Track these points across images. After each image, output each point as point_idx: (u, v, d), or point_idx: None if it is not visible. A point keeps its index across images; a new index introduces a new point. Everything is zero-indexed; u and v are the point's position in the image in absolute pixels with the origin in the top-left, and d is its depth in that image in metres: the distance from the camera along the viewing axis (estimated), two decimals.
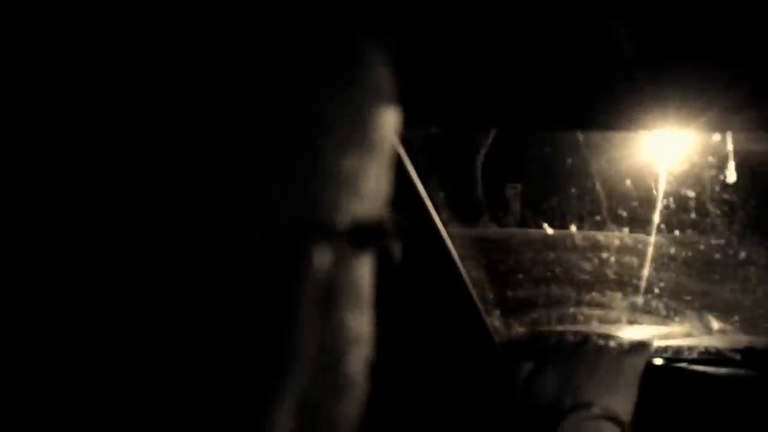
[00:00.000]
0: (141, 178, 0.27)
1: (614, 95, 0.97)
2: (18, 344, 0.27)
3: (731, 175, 1.51)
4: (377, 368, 0.36)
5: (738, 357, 1.40)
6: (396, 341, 0.35)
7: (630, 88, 0.95)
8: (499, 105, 1.08)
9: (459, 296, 1.39)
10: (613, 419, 1.01)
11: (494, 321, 1.49)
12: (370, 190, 0.34)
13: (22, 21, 0.26)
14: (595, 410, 1.00)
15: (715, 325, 1.86)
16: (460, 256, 1.36)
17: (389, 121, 0.35)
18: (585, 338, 1.16)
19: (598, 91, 0.99)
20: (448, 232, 1.30)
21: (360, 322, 0.34)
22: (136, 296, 0.27)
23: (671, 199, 2.07)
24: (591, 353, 1.09)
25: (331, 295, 0.32)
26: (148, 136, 0.27)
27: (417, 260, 1.24)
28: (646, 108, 0.97)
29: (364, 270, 0.35)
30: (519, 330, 1.57)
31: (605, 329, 1.47)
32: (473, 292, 1.39)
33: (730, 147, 1.48)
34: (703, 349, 1.43)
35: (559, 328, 1.55)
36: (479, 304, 1.41)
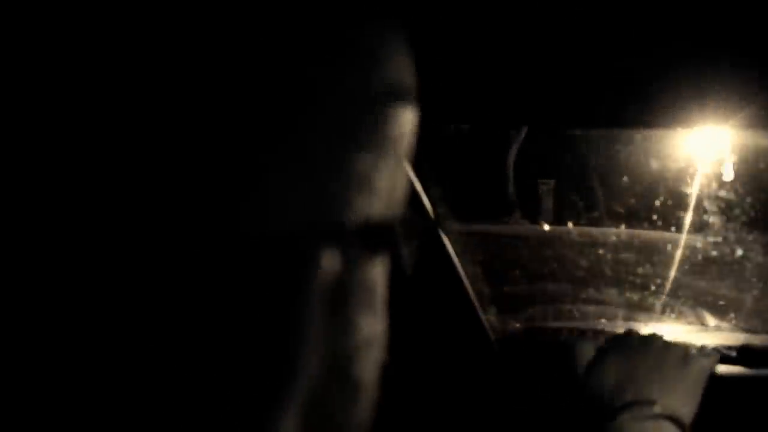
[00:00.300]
0: (153, 176, 0.27)
1: (649, 92, 0.96)
2: (18, 345, 0.27)
3: None
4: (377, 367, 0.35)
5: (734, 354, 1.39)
6: (401, 342, 0.34)
7: (665, 84, 0.94)
8: (530, 103, 1.08)
9: (457, 294, 1.39)
10: (675, 420, 0.99)
11: (491, 317, 1.48)
12: (384, 191, 0.33)
13: (32, 22, 0.26)
14: (657, 408, 0.99)
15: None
16: (463, 253, 1.36)
17: (406, 120, 0.34)
18: (652, 336, 1.15)
19: (632, 88, 0.98)
20: (462, 230, 1.30)
21: (371, 324, 0.34)
22: (147, 295, 0.27)
23: (705, 197, 2.05)
24: (657, 352, 1.08)
25: (342, 296, 0.32)
26: (160, 134, 0.27)
27: (419, 260, 1.24)
28: (682, 105, 0.96)
29: (376, 271, 0.34)
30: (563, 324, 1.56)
31: (665, 329, 1.46)
32: (470, 289, 1.40)
33: None
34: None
35: (606, 323, 1.54)
36: (475, 302, 1.41)
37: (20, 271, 0.26)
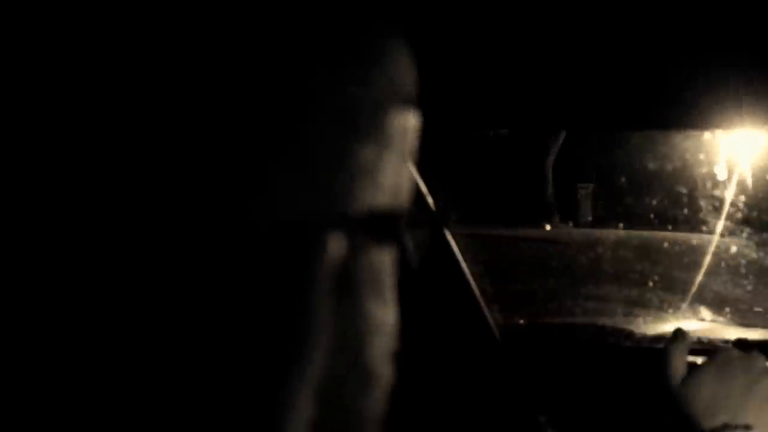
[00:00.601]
0: (160, 169, 0.27)
1: (689, 94, 0.94)
2: (29, 342, 0.27)
3: None
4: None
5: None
6: (405, 339, 0.34)
7: (705, 86, 0.92)
8: (569, 105, 1.04)
9: (461, 291, 1.36)
10: None
11: (496, 314, 1.47)
12: (391, 185, 0.33)
13: (34, 22, 0.27)
14: None
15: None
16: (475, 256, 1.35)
17: (411, 115, 0.34)
18: (753, 356, 1.08)
19: (671, 90, 0.96)
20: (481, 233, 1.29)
21: (381, 313, 0.34)
22: (155, 285, 0.27)
23: (743, 199, 2.02)
24: (757, 374, 1.02)
25: (350, 285, 0.32)
26: (173, 128, 0.27)
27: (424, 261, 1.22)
28: (722, 107, 0.94)
29: (384, 261, 0.34)
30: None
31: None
32: (474, 286, 1.37)
33: None
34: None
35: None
36: (480, 301, 1.38)
37: (32, 266, 0.26)
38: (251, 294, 0.28)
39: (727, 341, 1.31)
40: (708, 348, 1.27)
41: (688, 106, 0.97)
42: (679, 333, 0.99)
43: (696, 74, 0.93)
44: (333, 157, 0.29)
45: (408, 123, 0.33)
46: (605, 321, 1.46)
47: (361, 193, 0.30)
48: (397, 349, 0.34)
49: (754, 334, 1.39)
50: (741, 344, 1.20)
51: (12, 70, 0.26)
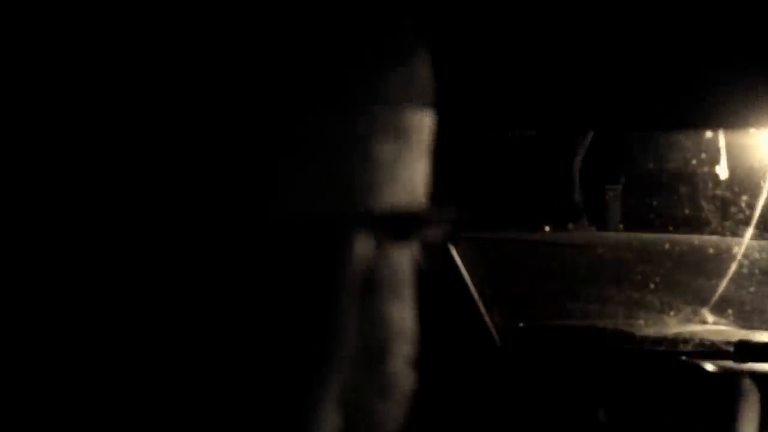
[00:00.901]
0: (182, 163, 0.26)
1: (723, 92, 0.92)
2: (59, 334, 0.26)
3: None
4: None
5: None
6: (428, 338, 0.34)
7: (740, 85, 0.91)
8: (597, 105, 1.03)
9: (460, 294, 1.36)
10: None
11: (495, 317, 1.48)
12: (409, 183, 0.33)
13: (35, 22, 0.26)
14: None
15: None
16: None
17: (432, 114, 0.34)
18: None
19: (704, 88, 0.94)
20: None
21: (400, 316, 0.33)
22: (179, 286, 0.27)
23: None
24: None
25: (371, 287, 0.31)
26: (190, 121, 0.27)
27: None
28: (759, 106, 0.92)
29: (403, 261, 0.33)
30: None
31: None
32: (473, 290, 1.37)
33: None
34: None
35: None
36: (479, 302, 1.39)
37: (48, 262, 0.26)
38: (276, 295, 0.27)
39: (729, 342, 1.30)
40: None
41: (722, 104, 0.95)
42: None
43: (731, 72, 0.91)
44: (355, 155, 0.29)
45: (429, 122, 0.33)
46: (649, 331, 1.47)
47: (383, 193, 0.30)
48: (416, 354, 0.34)
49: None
50: None
51: (14, 70, 0.26)
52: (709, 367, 1.30)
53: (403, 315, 0.33)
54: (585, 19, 0.92)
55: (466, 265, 1.36)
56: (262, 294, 0.27)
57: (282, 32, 0.27)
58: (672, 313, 1.92)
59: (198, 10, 0.27)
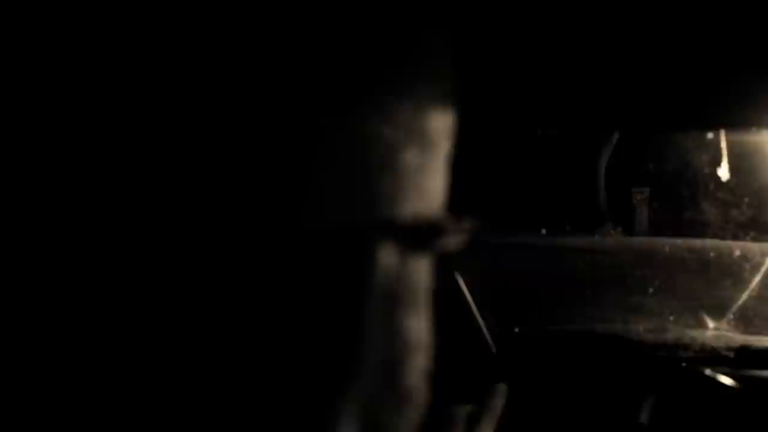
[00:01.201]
0: (209, 172, 0.26)
1: (755, 90, 0.90)
2: (83, 328, 0.26)
3: None
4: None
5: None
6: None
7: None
8: (623, 103, 1.01)
9: (456, 301, 1.37)
10: None
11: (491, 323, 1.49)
12: (433, 188, 0.32)
13: (36, 23, 0.26)
14: None
15: None
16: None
17: (455, 117, 0.33)
18: None
19: (735, 86, 0.92)
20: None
21: (418, 327, 0.33)
22: (197, 291, 0.26)
23: None
24: None
25: (393, 297, 0.31)
26: (216, 130, 0.26)
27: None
28: None
29: (422, 270, 0.33)
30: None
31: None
32: (468, 296, 1.38)
33: None
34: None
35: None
36: (476, 313, 1.40)
37: (69, 256, 0.25)
38: (299, 305, 0.27)
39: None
40: None
41: (757, 103, 0.93)
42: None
43: (761, 69, 0.89)
44: (379, 164, 0.29)
45: (452, 126, 0.33)
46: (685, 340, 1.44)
47: (406, 202, 0.30)
48: (432, 367, 0.33)
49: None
50: None
51: (15, 70, 0.25)
52: (710, 373, 1.29)
53: (420, 326, 0.33)
54: (610, 16, 0.90)
55: (478, 273, 1.36)
56: (285, 303, 0.27)
57: (306, 44, 0.27)
58: (711, 325, 1.88)
59: (228, 19, 0.26)
